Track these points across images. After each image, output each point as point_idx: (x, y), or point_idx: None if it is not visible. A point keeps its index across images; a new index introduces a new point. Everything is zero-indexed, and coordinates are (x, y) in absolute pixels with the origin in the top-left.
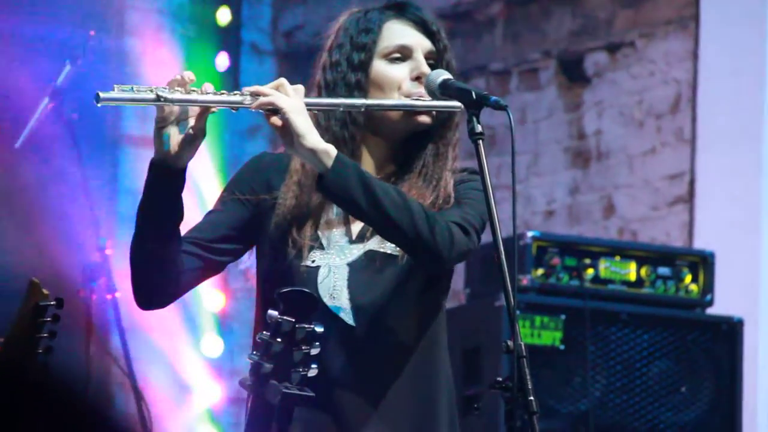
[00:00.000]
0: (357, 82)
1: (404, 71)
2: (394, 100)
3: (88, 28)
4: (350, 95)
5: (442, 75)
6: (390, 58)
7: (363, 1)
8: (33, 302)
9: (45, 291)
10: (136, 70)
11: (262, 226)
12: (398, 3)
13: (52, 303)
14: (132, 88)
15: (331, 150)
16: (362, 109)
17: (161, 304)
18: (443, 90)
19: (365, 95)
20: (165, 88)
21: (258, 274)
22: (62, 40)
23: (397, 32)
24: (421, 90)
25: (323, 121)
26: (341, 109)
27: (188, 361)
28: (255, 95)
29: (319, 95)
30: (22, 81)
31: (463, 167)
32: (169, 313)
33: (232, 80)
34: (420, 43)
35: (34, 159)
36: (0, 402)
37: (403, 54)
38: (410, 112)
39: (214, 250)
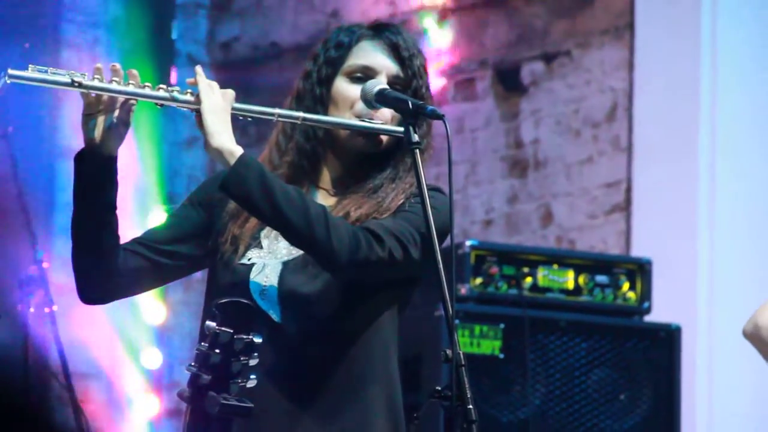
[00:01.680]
0: (320, 95)
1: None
2: (336, 117)
3: (23, 41)
4: (314, 107)
5: (379, 85)
6: (352, 77)
7: (296, 15)
8: None
9: None
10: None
11: (212, 230)
12: (378, 24)
13: None
14: (47, 70)
15: (237, 151)
16: (299, 122)
17: (101, 299)
18: (379, 99)
19: (325, 109)
20: (84, 74)
21: (207, 283)
22: None
23: (366, 52)
24: (375, 113)
25: (290, 131)
26: (275, 119)
27: (127, 374)
28: (186, 92)
29: (291, 103)
30: None
31: (429, 185)
32: (108, 326)
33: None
34: (385, 67)
35: None
36: None
37: (366, 75)
38: (357, 132)
39: (160, 252)
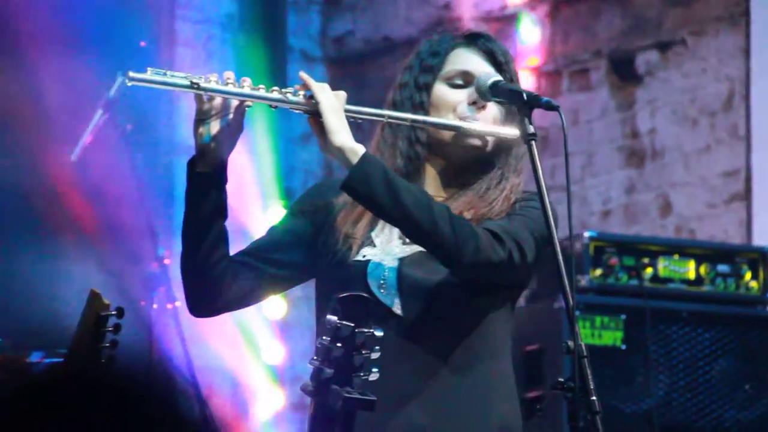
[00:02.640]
0: (420, 102)
1: (462, 96)
2: (442, 119)
3: (139, 40)
4: (414, 113)
5: (493, 77)
6: (451, 83)
7: (408, 10)
8: (94, 312)
9: (106, 301)
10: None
11: (319, 234)
12: (470, 33)
13: (113, 313)
14: (166, 72)
15: (359, 149)
16: (408, 123)
17: (211, 311)
18: (494, 92)
19: (425, 114)
20: (201, 78)
21: (317, 282)
22: (114, 52)
23: (463, 59)
24: (476, 115)
25: (390, 137)
26: (385, 120)
27: (250, 369)
28: (295, 93)
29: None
30: (75, 93)
31: (529, 191)
32: (230, 322)
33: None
34: (484, 71)
35: (90, 171)
36: (65, 414)
37: (465, 80)
38: (462, 134)
39: (267, 261)
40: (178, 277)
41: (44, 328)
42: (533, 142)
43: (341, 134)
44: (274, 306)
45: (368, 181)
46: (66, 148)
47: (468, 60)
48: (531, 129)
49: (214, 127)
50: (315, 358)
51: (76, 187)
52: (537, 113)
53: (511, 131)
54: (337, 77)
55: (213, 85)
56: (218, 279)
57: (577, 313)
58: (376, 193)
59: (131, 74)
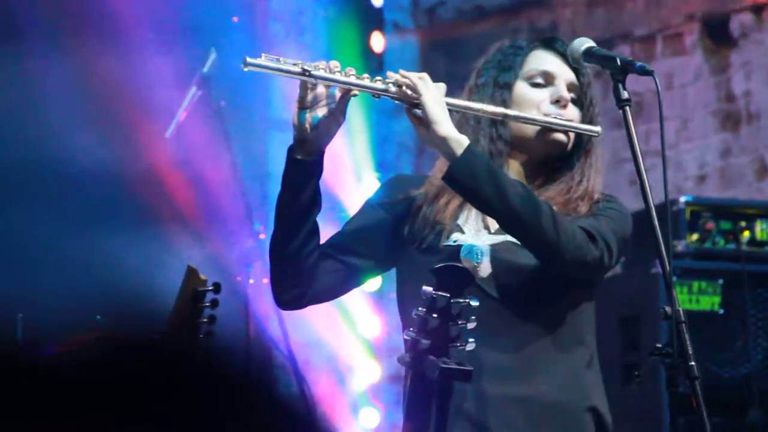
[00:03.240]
0: (503, 100)
1: (545, 94)
2: (534, 115)
3: (232, 15)
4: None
5: (586, 43)
6: (532, 82)
7: None
8: (191, 288)
9: (203, 276)
10: (280, 52)
11: (401, 224)
12: (548, 36)
13: (210, 288)
14: (279, 59)
15: (463, 140)
16: (501, 119)
17: (299, 304)
18: (587, 58)
19: None
20: (311, 64)
21: (399, 264)
22: (206, 28)
23: (542, 59)
24: (561, 112)
25: (471, 136)
26: (481, 113)
27: (347, 342)
28: (397, 84)
29: (464, 117)
30: (167, 71)
31: (605, 194)
32: None
33: (375, 59)
34: (563, 73)
35: (185, 148)
36: (163, 389)
37: (546, 80)
38: (547, 130)
39: (354, 254)
40: None
41: (142, 305)
42: (627, 108)
43: (445, 125)
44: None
45: (473, 172)
46: (161, 126)
47: (547, 60)
48: (625, 95)
49: (316, 115)
50: (411, 329)
51: (171, 165)
52: (631, 79)
53: (595, 128)
54: (429, 48)
55: (322, 73)
56: (308, 271)
57: (674, 278)
58: (481, 185)
59: (248, 59)
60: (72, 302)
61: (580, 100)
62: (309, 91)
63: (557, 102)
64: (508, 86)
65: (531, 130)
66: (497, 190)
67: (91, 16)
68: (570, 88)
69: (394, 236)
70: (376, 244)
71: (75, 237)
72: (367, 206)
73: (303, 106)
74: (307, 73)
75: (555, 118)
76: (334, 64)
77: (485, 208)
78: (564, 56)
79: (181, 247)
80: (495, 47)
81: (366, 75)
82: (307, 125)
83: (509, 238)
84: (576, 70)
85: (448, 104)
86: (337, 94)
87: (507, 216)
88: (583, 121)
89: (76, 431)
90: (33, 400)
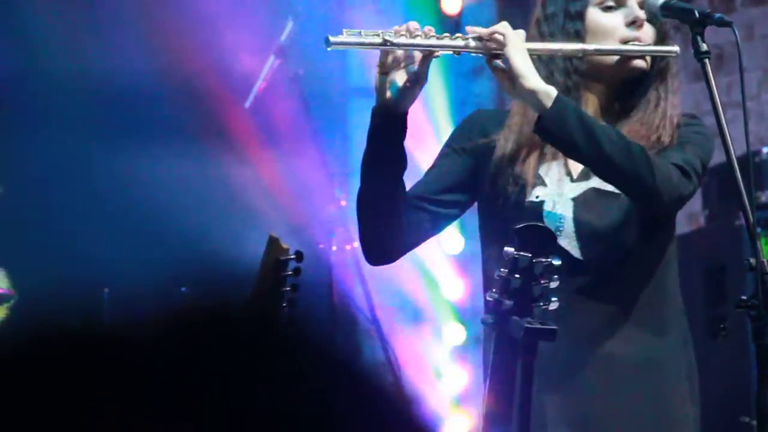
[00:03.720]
0: (576, 30)
1: (619, 18)
2: (611, 45)
3: None
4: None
5: None
6: (604, 6)
7: None
8: (274, 257)
9: (284, 245)
10: (358, 19)
11: (482, 171)
12: None
13: (292, 257)
14: (360, 32)
15: (552, 91)
16: (580, 55)
17: (390, 258)
18: (665, 12)
19: (583, 42)
20: (391, 32)
21: (480, 215)
22: None
23: None
24: (638, 34)
25: (544, 71)
26: (560, 54)
27: (431, 305)
28: (478, 39)
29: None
30: (246, 40)
31: (687, 113)
32: (409, 260)
33: (451, 21)
34: None
35: (265, 116)
36: (248, 357)
37: (617, 2)
38: (626, 58)
39: (438, 202)
40: (354, 218)
41: (227, 275)
42: (707, 61)
43: (532, 77)
44: (452, 241)
45: (564, 123)
46: (241, 96)
47: None
48: (704, 47)
49: (399, 78)
50: (493, 290)
51: (251, 134)
52: (711, 31)
53: (673, 48)
54: (506, 7)
55: (403, 40)
56: (396, 226)
57: (759, 229)
58: (574, 135)
59: (331, 39)
60: (158, 274)
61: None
62: (390, 55)
63: (632, 24)
64: (580, 15)
65: (609, 59)
66: (590, 139)
67: None
68: (641, 5)
69: (475, 183)
70: (459, 194)
71: (160, 210)
72: (448, 150)
73: (384, 70)
74: (389, 43)
75: (632, 44)
76: (414, 25)
77: (579, 157)
78: None
79: (264, 216)
80: None
81: (446, 34)
82: (390, 88)
83: (592, 184)
84: None
85: (529, 50)
86: (418, 56)
87: (602, 164)
88: (658, 37)
89: (161, 404)
90: (117, 377)
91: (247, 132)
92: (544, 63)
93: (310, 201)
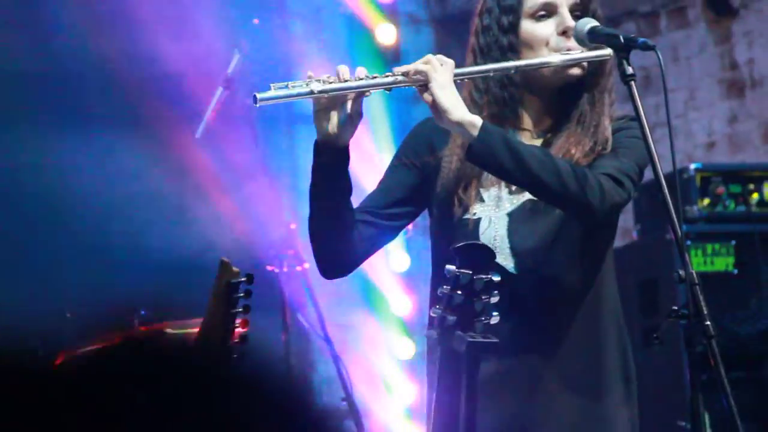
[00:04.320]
0: (509, 43)
1: (550, 28)
2: (543, 57)
3: (252, 17)
4: (504, 56)
5: (590, 23)
6: (536, 16)
7: None
8: (225, 280)
9: (235, 269)
10: (301, 50)
11: (429, 187)
12: None
13: (243, 279)
14: (287, 85)
15: (477, 121)
16: (512, 72)
17: (343, 272)
18: (592, 37)
19: (518, 55)
20: (319, 80)
21: (431, 234)
22: (230, 30)
23: None
24: (569, 43)
25: (483, 84)
26: (491, 74)
27: (380, 322)
28: (406, 74)
29: (475, 59)
30: (193, 71)
31: (622, 114)
32: (357, 279)
33: (391, 51)
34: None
35: (214, 144)
36: (192, 395)
37: (548, 11)
38: (561, 67)
39: (386, 216)
40: (305, 240)
41: (180, 299)
42: (632, 83)
43: (456, 110)
44: (398, 260)
45: (492, 152)
46: (190, 129)
47: None
48: (630, 70)
49: (333, 116)
50: (437, 306)
51: (203, 163)
52: (640, 54)
53: (605, 52)
54: (443, 37)
55: (332, 86)
56: (346, 242)
57: (689, 242)
58: (502, 162)
59: (258, 96)
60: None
61: (585, 14)
62: (323, 99)
63: (564, 33)
64: (513, 27)
65: (545, 70)
66: (518, 163)
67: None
68: (573, 9)
69: (421, 196)
70: (407, 206)
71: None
72: (397, 163)
73: (319, 109)
74: (317, 92)
75: (565, 53)
76: (343, 69)
77: (510, 180)
78: None
79: (217, 240)
80: None
81: (376, 74)
82: (326, 127)
83: (527, 196)
84: None
85: (458, 74)
86: (351, 95)
87: (532, 184)
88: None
89: None
90: (50, 404)
91: (198, 161)
92: (481, 77)
93: (261, 224)
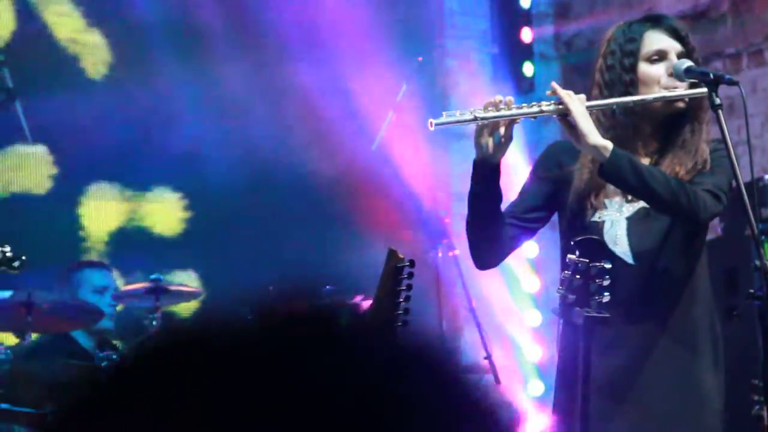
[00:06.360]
0: (631, 80)
1: (662, 70)
2: (655, 93)
3: (417, 55)
4: (625, 90)
5: (686, 63)
6: (651, 60)
7: (621, 16)
8: (392, 265)
9: (401, 255)
10: (454, 82)
11: (560, 196)
12: (654, 15)
13: (407, 264)
14: (455, 112)
15: (609, 145)
16: (631, 104)
17: (493, 264)
18: (688, 74)
19: (636, 90)
20: (480, 110)
21: (560, 230)
22: (398, 65)
23: (655, 39)
24: (676, 83)
25: (609, 112)
26: (615, 107)
27: (515, 296)
28: (549, 104)
29: (600, 92)
30: (367, 99)
31: (714, 138)
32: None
33: (527, 81)
34: (673, 47)
35: (387, 157)
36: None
37: (660, 56)
38: (670, 101)
39: (527, 220)
40: (455, 231)
41: (358, 281)
42: (720, 111)
43: (593, 135)
44: (529, 247)
45: (620, 171)
46: (367, 142)
47: (659, 40)
48: (718, 101)
49: (489, 138)
50: (560, 287)
51: (376, 169)
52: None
53: (701, 90)
54: (568, 72)
55: (490, 113)
56: (496, 241)
57: (763, 237)
58: (627, 179)
59: (433, 121)
60: (307, 273)
61: (687, 58)
62: (482, 127)
63: (671, 75)
64: (633, 67)
65: (656, 103)
66: (640, 180)
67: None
68: (680, 56)
69: (555, 204)
70: (543, 212)
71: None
72: (533, 177)
73: (479, 134)
74: (479, 119)
75: (672, 90)
76: (498, 98)
77: (632, 193)
78: (670, 30)
79: (381, 229)
80: (614, 31)
81: (524, 104)
82: (484, 147)
83: (642, 204)
84: (682, 39)
85: (591, 107)
86: (504, 122)
87: (650, 198)
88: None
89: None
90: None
91: (371, 168)
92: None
93: (422, 220)
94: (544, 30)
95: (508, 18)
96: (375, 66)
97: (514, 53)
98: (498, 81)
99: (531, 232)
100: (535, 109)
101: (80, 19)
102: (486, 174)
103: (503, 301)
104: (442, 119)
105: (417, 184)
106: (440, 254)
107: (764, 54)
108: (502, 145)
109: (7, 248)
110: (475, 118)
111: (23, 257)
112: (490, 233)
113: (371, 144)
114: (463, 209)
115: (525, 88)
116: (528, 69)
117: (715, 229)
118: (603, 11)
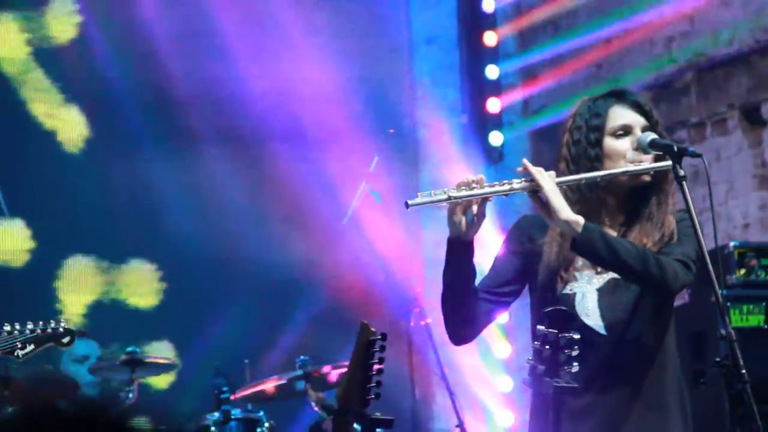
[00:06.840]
0: (596, 155)
1: (627, 144)
2: (622, 167)
3: (388, 128)
4: (591, 165)
5: (650, 136)
6: (616, 134)
7: (588, 90)
8: (364, 339)
9: (372, 329)
10: (426, 153)
11: (531, 269)
12: (618, 90)
13: (378, 337)
14: (430, 192)
15: (580, 220)
16: (598, 179)
17: (469, 340)
18: (652, 147)
19: (602, 164)
20: (453, 189)
21: (531, 301)
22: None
23: (619, 114)
24: (642, 156)
25: (575, 186)
26: (583, 182)
27: (486, 362)
28: (519, 183)
29: (567, 166)
30: (339, 172)
31: (679, 209)
32: None
33: (496, 153)
34: (637, 121)
35: (357, 230)
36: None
37: (625, 131)
38: (635, 175)
39: (501, 294)
40: (427, 299)
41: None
42: (684, 183)
43: (565, 211)
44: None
45: (592, 245)
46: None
47: (624, 115)
48: (682, 173)
49: (463, 218)
50: (530, 358)
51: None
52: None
53: (666, 163)
54: (536, 142)
55: (463, 193)
56: (471, 316)
57: (728, 303)
58: (600, 253)
59: (409, 202)
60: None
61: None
62: (455, 206)
63: (637, 149)
64: (599, 143)
65: (622, 177)
66: (612, 253)
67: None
68: (644, 129)
69: (527, 277)
70: (516, 286)
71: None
72: (504, 252)
73: (452, 212)
74: (453, 198)
75: (638, 164)
76: (470, 178)
77: (604, 266)
78: (634, 105)
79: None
80: (580, 107)
81: (495, 182)
82: (457, 225)
83: (611, 275)
84: (646, 114)
85: (561, 182)
86: (477, 200)
87: (621, 270)
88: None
89: None
90: None
91: (341, 243)
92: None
93: (394, 289)
94: (513, 98)
95: (478, 88)
96: (348, 139)
97: (483, 123)
98: (468, 150)
99: (505, 305)
100: (507, 187)
101: (58, 94)
102: (460, 251)
103: (475, 367)
104: (417, 200)
105: (389, 253)
106: (412, 323)
107: (728, 123)
108: (475, 222)
109: (63, 322)
110: (449, 198)
111: (73, 330)
112: (465, 310)
113: (343, 217)
114: (435, 276)
115: (494, 158)
116: (496, 139)
117: (682, 296)
118: (570, 80)
